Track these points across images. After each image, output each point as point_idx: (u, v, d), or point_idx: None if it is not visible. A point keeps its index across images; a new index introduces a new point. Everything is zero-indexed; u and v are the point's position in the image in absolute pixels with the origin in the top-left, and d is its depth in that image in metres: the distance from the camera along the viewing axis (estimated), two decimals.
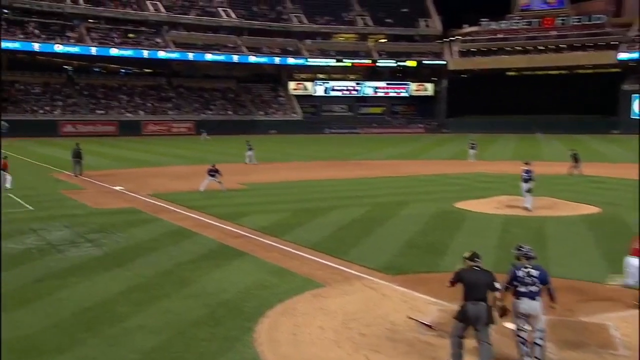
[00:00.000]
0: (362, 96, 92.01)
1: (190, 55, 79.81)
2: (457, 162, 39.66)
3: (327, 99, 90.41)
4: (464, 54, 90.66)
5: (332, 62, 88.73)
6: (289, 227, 17.34)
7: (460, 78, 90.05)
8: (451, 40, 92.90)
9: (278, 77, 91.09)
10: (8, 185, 23.29)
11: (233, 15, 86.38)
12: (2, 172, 23.74)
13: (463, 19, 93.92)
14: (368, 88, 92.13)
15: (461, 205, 20.82)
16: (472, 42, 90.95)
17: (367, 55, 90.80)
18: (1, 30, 67.94)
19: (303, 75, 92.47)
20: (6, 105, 68.39)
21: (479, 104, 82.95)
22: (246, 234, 16.55)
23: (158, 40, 79.83)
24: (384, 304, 10.23)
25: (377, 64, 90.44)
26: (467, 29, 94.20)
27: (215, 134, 70.43)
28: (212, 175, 25.16)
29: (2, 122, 62.36)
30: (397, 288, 11.36)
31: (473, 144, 42.01)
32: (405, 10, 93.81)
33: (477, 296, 7.46)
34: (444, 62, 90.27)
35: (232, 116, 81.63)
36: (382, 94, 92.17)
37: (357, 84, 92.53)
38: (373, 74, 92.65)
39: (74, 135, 64.80)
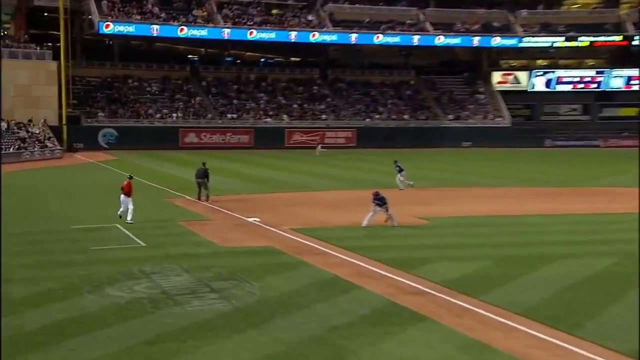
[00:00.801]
0: (607, 91, 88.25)
1: (353, 38, 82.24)
2: None
3: (550, 96, 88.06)
4: None
5: (559, 41, 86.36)
6: (490, 282, 17.08)
7: None
8: None
9: (477, 65, 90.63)
10: (129, 217, 25.34)
11: None
12: (122, 197, 25.90)
13: None
14: (616, 79, 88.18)
15: None
16: None
17: (617, 29, 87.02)
18: (115, 9, 75.28)
19: (514, 62, 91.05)
20: (116, 108, 75.54)
21: None
22: (427, 290, 16.49)
23: (310, 17, 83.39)
24: None
25: (633, 42, 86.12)
26: None
27: (384, 147, 71.43)
28: (380, 205, 25.50)
29: (109, 130, 68.94)
30: None
31: None
32: None
33: None
34: None
35: (409, 122, 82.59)
36: (639, 88, 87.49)
37: (599, 72, 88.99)
38: (625, 57, 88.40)
39: (198, 147, 69.67)
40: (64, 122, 69.12)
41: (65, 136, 68.57)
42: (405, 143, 74.07)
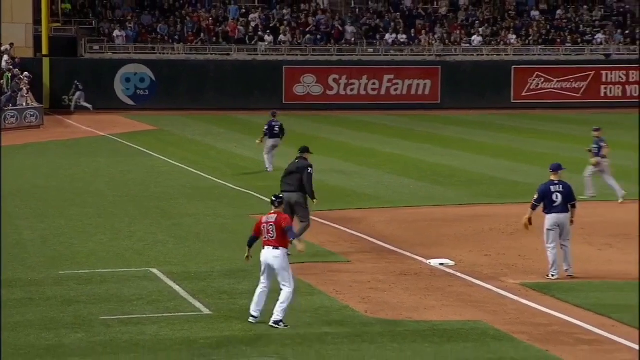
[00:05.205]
0: None
1: None
2: None
3: None
4: None
5: None
6: None
7: None
8: None
9: None
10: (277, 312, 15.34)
11: None
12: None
13: None
14: None
15: None
16: None
17: None
18: None
19: None
20: (152, 22, 47.53)
21: None
22: None
23: None
24: None
25: None
26: None
27: None
28: None
29: (137, 68, 44.77)
30: None
31: None
32: None
33: None
34: None
35: None
36: None
37: None
38: None
39: (324, 103, 45.27)
40: (44, 50, 43.84)
41: (47, 81, 43.99)
42: None
